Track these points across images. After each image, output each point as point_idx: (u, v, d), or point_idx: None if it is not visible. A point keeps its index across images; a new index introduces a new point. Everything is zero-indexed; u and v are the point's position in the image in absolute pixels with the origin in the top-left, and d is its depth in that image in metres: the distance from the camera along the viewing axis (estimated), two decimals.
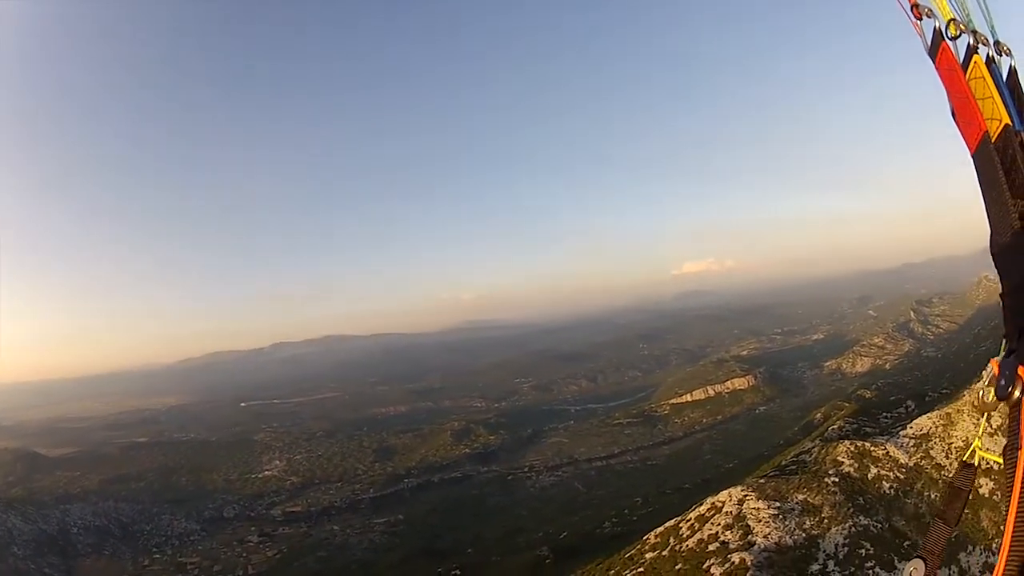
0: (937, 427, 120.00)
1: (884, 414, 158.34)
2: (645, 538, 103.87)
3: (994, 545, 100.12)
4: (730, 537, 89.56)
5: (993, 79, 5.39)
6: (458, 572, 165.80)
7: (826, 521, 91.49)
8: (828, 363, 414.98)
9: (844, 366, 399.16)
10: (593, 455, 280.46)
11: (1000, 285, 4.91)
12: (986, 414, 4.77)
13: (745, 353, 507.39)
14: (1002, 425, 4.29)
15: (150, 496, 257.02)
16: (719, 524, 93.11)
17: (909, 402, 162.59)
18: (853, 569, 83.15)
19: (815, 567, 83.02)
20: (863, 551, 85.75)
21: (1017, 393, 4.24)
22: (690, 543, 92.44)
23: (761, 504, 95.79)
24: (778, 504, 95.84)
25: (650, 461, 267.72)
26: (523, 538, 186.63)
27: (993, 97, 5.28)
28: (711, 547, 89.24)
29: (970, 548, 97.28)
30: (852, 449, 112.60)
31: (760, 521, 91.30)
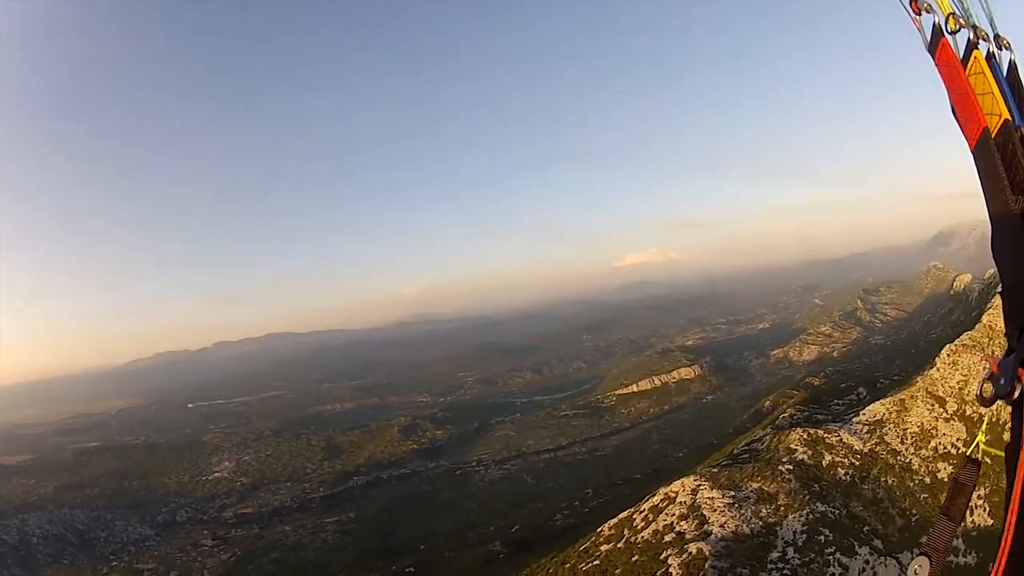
0: (891, 413, 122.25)
1: (835, 401, 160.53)
2: (599, 530, 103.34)
3: (958, 531, 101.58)
4: (686, 527, 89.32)
5: (993, 74, 5.50)
6: (412, 570, 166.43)
7: (782, 509, 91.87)
8: (775, 352, 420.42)
9: (791, 354, 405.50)
10: (541, 447, 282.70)
11: (1000, 282, 4.89)
12: (988, 410, 4.84)
13: (690, 343, 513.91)
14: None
15: (104, 502, 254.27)
16: (674, 514, 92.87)
17: (860, 389, 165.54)
18: (813, 555, 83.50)
19: (774, 555, 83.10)
20: (822, 537, 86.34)
21: (1017, 392, 4.30)
22: (645, 534, 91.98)
23: (715, 493, 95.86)
24: (732, 493, 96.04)
25: (598, 452, 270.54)
26: (475, 533, 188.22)
27: (993, 92, 5.39)
28: (667, 538, 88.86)
29: (931, 531, 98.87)
30: (805, 437, 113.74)
31: (715, 510, 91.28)
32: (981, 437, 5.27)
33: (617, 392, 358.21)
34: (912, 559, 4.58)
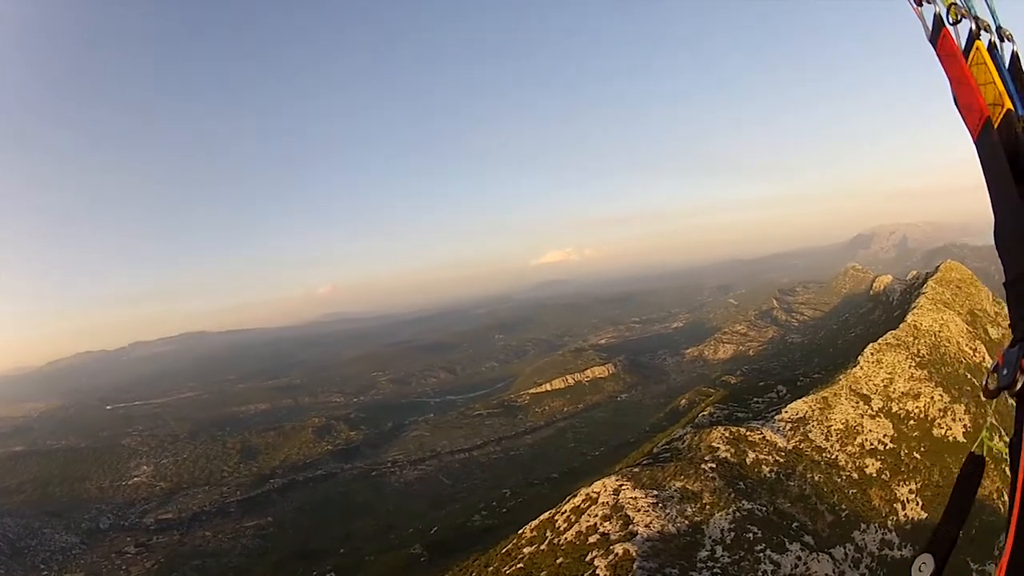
0: (814, 411, 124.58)
1: (755, 399, 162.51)
2: (520, 532, 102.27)
3: (889, 522, 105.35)
4: (610, 528, 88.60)
5: (995, 65, 5.64)
6: (333, 574, 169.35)
7: (708, 507, 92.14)
8: (689, 350, 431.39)
9: (706, 353, 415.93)
10: (456, 447, 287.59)
11: (1004, 273, 5.01)
12: (991, 403, 4.92)
13: (604, 342, 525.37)
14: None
15: (31, 509, 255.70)
16: (596, 515, 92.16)
17: (780, 387, 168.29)
18: (743, 553, 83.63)
19: (703, 553, 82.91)
20: (751, 535, 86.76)
21: (1020, 384, 4.35)
22: (568, 535, 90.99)
23: (638, 493, 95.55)
24: (656, 492, 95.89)
25: (513, 452, 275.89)
26: (394, 535, 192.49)
27: (995, 83, 5.51)
28: (591, 539, 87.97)
29: (863, 526, 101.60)
30: (727, 435, 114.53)
31: (639, 510, 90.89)
32: (985, 433, 5.35)
33: (531, 391, 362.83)
34: (916, 556, 4.67)
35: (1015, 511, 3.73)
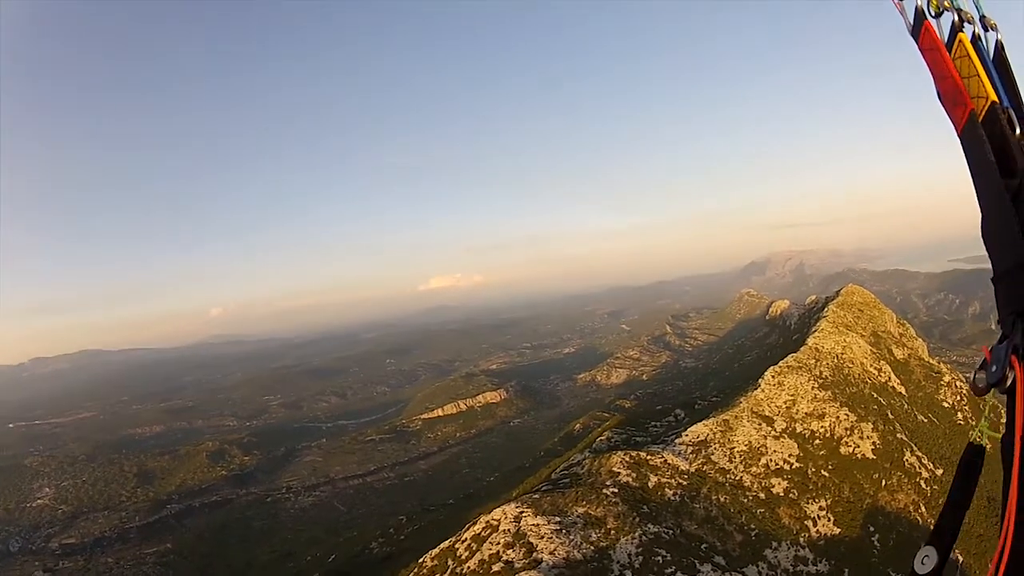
0: (715, 433, 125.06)
1: (653, 423, 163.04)
2: (421, 560, 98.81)
3: (801, 539, 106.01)
4: (513, 556, 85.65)
5: (979, 56, 5.63)
6: None
7: (613, 532, 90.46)
8: (581, 375, 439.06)
9: (599, 378, 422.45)
10: (349, 473, 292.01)
11: (992, 269, 4.82)
12: (983, 400, 4.93)
13: (495, 367, 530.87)
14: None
15: None
16: (499, 543, 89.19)
17: (678, 411, 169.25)
18: None
19: None
20: (659, 558, 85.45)
21: (1009, 380, 4.44)
22: (471, 564, 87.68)
23: (540, 520, 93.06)
24: (558, 519, 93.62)
25: (407, 477, 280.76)
26: (293, 563, 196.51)
27: (979, 75, 5.50)
28: (495, 567, 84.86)
29: (775, 544, 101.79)
30: (627, 459, 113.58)
31: (543, 537, 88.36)
32: (984, 424, 5.22)
33: (423, 416, 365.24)
34: (919, 549, 4.67)
35: (1010, 506, 3.87)
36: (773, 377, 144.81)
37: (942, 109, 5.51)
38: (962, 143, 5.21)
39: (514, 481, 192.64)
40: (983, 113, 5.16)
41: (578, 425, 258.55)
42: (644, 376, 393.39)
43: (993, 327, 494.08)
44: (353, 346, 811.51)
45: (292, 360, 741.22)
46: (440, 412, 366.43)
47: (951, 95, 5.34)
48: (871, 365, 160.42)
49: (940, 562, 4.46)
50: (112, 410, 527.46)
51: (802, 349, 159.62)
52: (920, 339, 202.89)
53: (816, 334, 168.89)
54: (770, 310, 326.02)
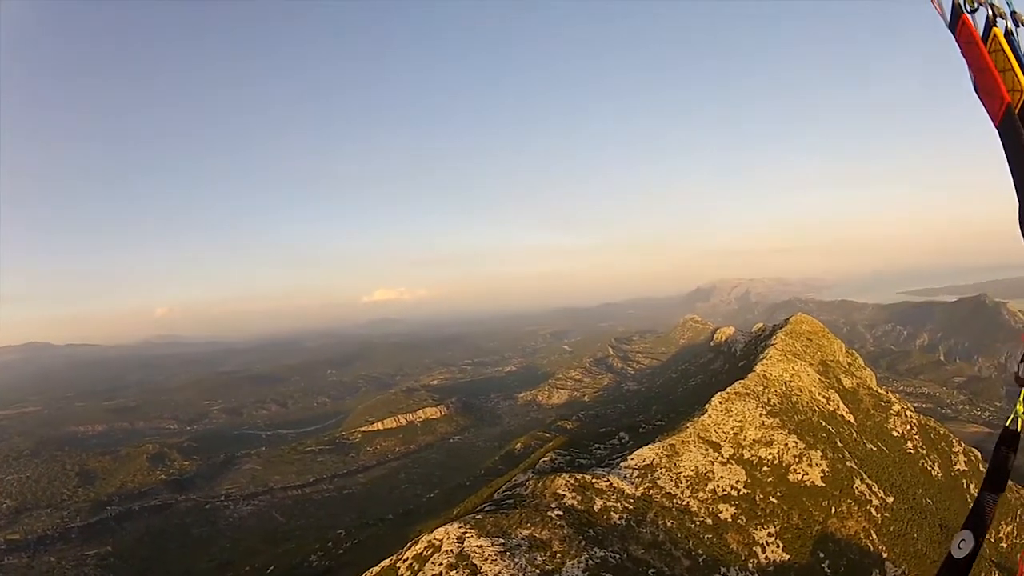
0: (661, 458, 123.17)
1: (596, 445, 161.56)
2: None
3: (750, 565, 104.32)
4: None
5: (1012, 50, 5.86)
6: None
7: (559, 555, 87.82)
8: (522, 394, 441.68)
9: (540, 397, 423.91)
10: (288, 483, 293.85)
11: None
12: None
13: (436, 382, 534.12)
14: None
15: None
16: (441, 564, 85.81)
17: (622, 434, 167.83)
18: None
19: None
20: None
21: None
22: None
23: (484, 541, 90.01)
24: (502, 541, 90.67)
25: (346, 490, 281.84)
26: (231, 573, 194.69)
27: (1014, 69, 5.77)
28: None
29: (723, 570, 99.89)
30: (572, 482, 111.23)
31: (486, 559, 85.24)
32: (1020, 407, 5.67)
33: (362, 429, 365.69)
34: (956, 533, 4.81)
35: None
36: (720, 403, 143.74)
37: (978, 101, 5.73)
38: (1000, 134, 5.39)
39: (454, 499, 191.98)
40: (1019, 105, 5.38)
41: (519, 444, 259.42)
42: (586, 397, 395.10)
43: (942, 358, 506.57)
44: (295, 354, 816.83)
45: (235, 365, 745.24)
46: (380, 426, 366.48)
47: (988, 88, 5.56)
48: (820, 393, 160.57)
49: (976, 545, 4.58)
50: (57, 405, 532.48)
51: (750, 376, 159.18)
52: (868, 369, 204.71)
53: (764, 361, 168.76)
54: (715, 336, 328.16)
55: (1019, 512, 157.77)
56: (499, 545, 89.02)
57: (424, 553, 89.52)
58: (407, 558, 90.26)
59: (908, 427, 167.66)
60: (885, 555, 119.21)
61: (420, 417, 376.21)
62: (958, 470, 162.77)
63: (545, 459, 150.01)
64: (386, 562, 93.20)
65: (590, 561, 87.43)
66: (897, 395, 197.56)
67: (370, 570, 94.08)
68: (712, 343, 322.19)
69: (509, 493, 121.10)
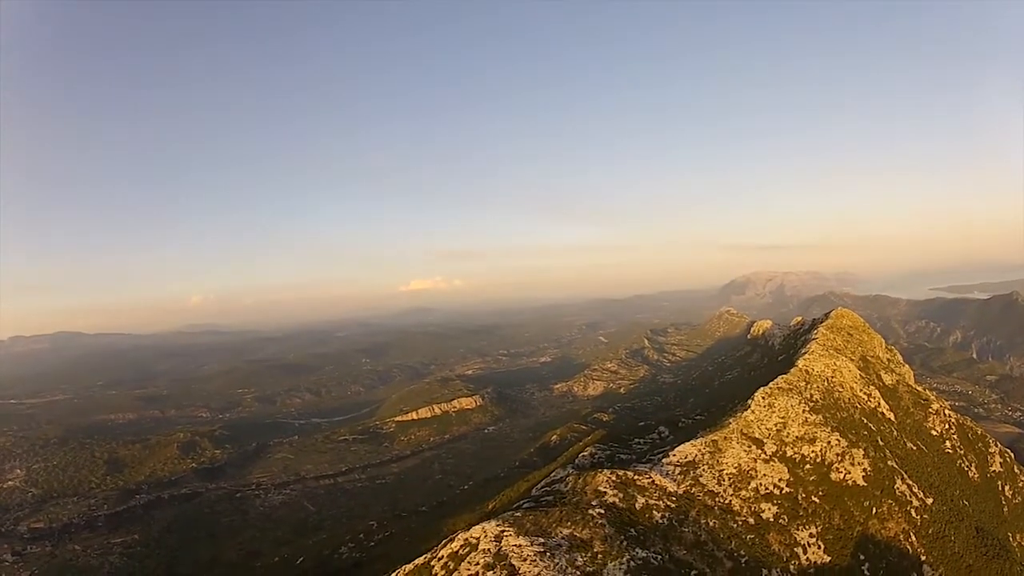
0: (703, 454, 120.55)
1: (636, 440, 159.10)
2: (393, 574, 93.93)
3: (791, 567, 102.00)
4: None
5: None
6: None
7: (600, 556, 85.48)
8: (558, 385, 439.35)
9: (575, 389, 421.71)
10: (320, 472, 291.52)
11: None
12: None
13: (471, 372, 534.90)
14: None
15: None
16: (478, 563, 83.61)
17: (662, 428, 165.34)
18: None
19: None
20: None
21: None
22: None
23: (522, 540, 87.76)
24: (542, 540, 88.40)
25: (379, 480, 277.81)
26: (261, 563, 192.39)
27: None
28: None
29: (764, 572, 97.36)
30: (613, 479, 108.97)
31: (525, 560, 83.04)
32: None
33: (396, 419, 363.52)
34: None
35: None
36: (763, 398, 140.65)
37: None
38: None
39: (489, 492, 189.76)
40: None
41: (555, 436, 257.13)
42: (621, 389, 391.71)
43: (974, 356, 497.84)
44: (329, 343, 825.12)
45: (268, 354, 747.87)
46: (414, 415, 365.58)
47: None
48: (861, 390, 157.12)
49: None
50: (86, 394, 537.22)
51: (792, 371, 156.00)
52: (907, 365, 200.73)
53: (806, 356, 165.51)
54: (752, 329, 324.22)
55: None
56: (538, 545, 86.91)
57: (460, 552, 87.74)
58: (442, 556, 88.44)
59: (947, 426, 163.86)
60: (924, 558, 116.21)
61: (455, 407, 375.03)
62: (994, 471, 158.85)
63: (584, 454, 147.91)
64: (420, 560, 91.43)
65: (632, 563, 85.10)
66: (934, 393, 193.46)
67: (403, 567, 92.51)
68: (749, 336, 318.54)
69: (548, 489, 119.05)
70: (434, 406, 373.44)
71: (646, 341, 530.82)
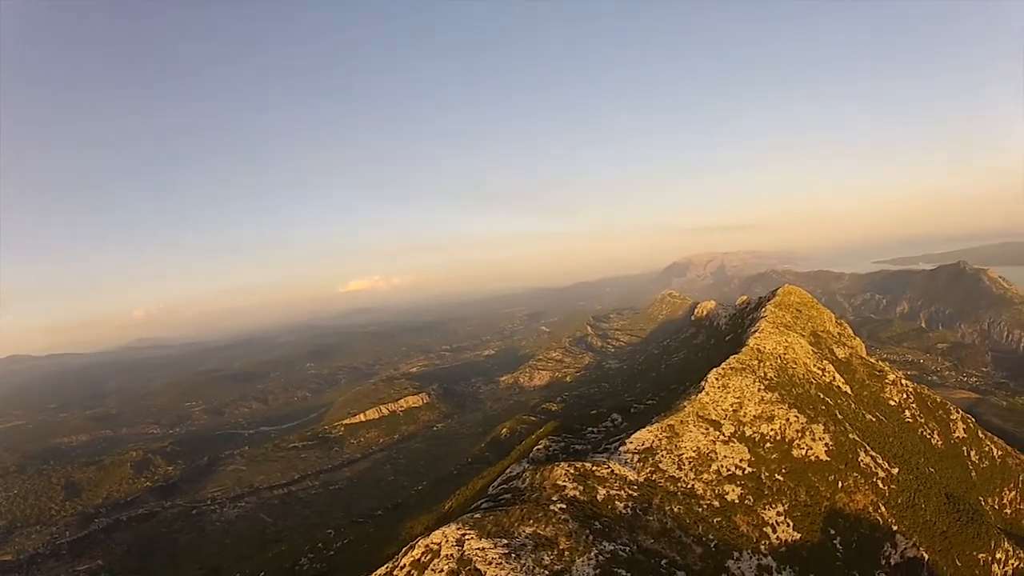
0: (661, 440, 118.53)
1: (590, 429, 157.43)
2: None
3: (762, 547, 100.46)
4: None
5: None
6: None
7: (567, 553, 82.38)
8: (504, 377, 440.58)
9: (521, 380, 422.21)
10: (273, 482, 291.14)
11: None
12: None
13: (415, 370, 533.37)
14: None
15: None
16: (442, 570, 79.74)
17: (615, 415, 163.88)
18: None
19: None
20: None
21: None
22: None
23: (485, 543, 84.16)
24: (505, 541, 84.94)
25: (332, 486, 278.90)
26: None
27: None
28: None
29: (736, 555, 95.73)
30: (572, 471, 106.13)
31: (490, 563, 79.41)
32: None
33: (345, 422, 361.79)
34: None
35: None
36: (717, 379, 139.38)
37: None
38: None
39: (444, 491, 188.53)
40: None
41: (505, 430, 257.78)
42: (568, 378, 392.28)
43: (923, 325, 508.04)
44: (273, 349, 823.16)
45: (214, 364, 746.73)
46: (362, 417, 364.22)
47: None
48: (814, 365, 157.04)
49: None
50: (40, 418, 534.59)
51: (744, 350, 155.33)
52: (858, 338, 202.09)
53: (757, 335, 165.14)
54: (696, 311, 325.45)
55: (1021, 478, 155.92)
56: (502, 546, 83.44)
57: (422, 559, 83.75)
58: (404, 565, 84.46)
59: (904, 396, 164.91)
60: (895, 528, 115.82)
61: (402, 406, 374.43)
62: (958, 437, 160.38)
63: (539, 447, 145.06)
64: (382, 569, 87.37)
65: (600, 557, 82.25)
66: (888, 364, 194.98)
67: None
68: (693, 318, 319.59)
69: (506, 487, 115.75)
70: (381, 407, 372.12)
71: (589, 328, 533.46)
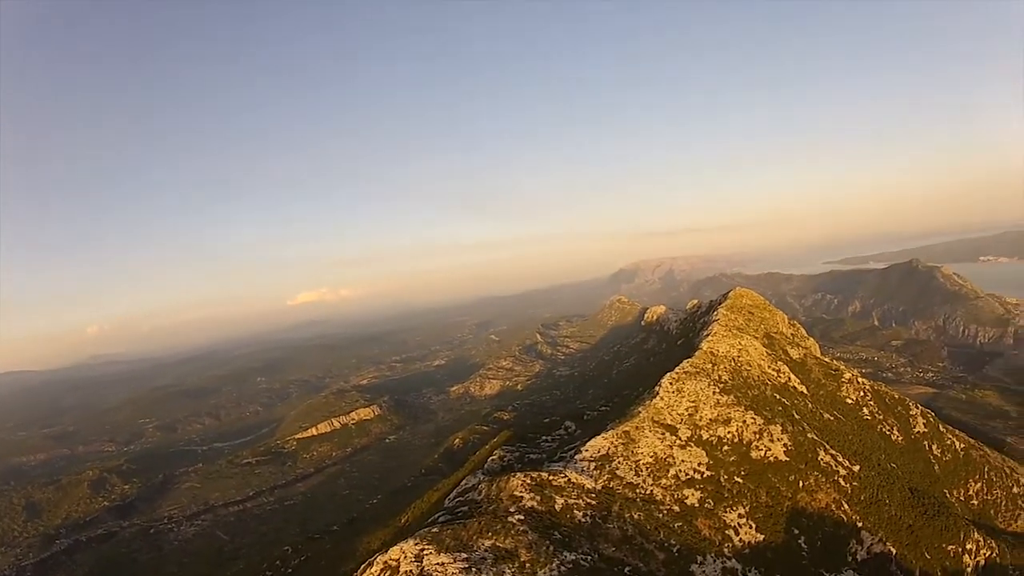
0: (617, 447, 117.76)
1: (543, 438, 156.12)
2: None
3: (725, 549, 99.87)
4: None
5: None
6: None
7: (528, 565, 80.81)
8: (454, 388, 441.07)
9: (472, 389, 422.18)
10: (229, 499, 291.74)
11: None
12: None
13: (366, 382, 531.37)
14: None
15: None
16: None
17: (568, 423, 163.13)
18: None
19: None
20: None
21: None
22: None
23: (444, 558, 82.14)
24: (465, 556, 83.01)
25: (287, 501, 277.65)
26: None
27: None
28: None
29: (699, 559, 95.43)
30: (528, 481, 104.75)
31: None
32: None
33: (297, 436, 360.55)
34: None
35: None
36: (671, 384, 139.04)
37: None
38: None
39: (399, 504, 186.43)
40: None
41: (457, 440, 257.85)
42: (519, 386, 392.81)
43: (876, 323, 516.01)
44: (225, 364, 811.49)
45: (167, 380, 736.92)
46: (314, 431, 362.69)
47: None
48: (769, 367, 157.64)
49: None
50: None
51: (697, 354, 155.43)
52: (812, 339, 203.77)
53: (710, 338, 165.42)
54: (645, 316, 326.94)
55: (985, 469, 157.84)
56: (462, 561, 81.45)
57: None
58: None
59: (862, 393, 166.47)
60: (860, 524, 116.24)
61: (354, 419, 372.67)
62: (918, 432, 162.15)
63: (493, 457, 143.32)
64: None
65: (562, 567, 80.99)
66: (843, 363, 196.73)
67: None
68: (643, 323, 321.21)
69: (462, 499, 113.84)
70: (333, 420, 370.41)
71: (538, 336, 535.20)
